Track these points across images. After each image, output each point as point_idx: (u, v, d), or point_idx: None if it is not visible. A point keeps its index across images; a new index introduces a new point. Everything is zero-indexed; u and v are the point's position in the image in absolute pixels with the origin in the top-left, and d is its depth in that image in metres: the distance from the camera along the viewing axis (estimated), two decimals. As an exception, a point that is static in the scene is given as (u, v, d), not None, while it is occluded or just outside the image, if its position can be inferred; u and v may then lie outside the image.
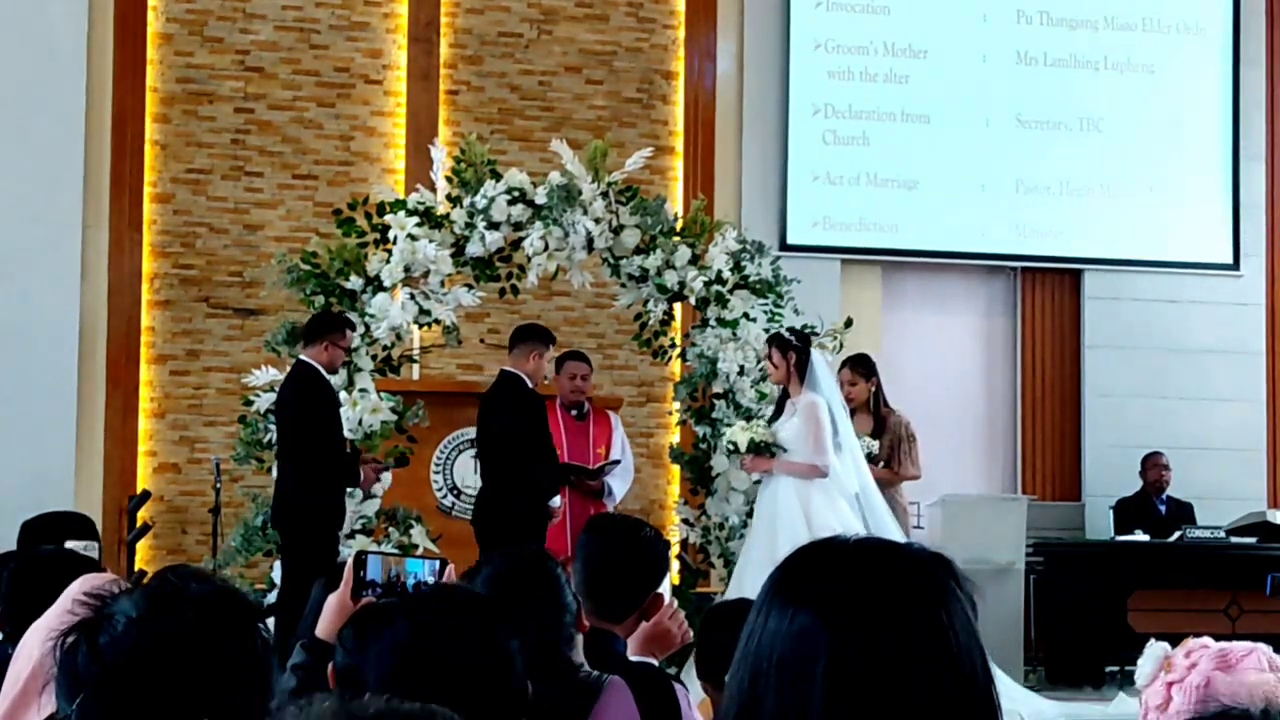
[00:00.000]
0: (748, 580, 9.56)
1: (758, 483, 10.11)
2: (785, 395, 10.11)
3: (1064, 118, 14.23)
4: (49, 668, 2.42)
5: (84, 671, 2.08)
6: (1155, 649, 3.23)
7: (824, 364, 10.14)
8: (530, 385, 9.75)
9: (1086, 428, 14.13)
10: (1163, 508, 13.23)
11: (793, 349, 9.91)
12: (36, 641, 2.50)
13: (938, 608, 1.86)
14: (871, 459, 10.61)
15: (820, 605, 1.86)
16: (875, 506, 10.07)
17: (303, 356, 9.61)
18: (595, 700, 3.68)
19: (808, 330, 10.81)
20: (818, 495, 9.77)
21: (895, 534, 9.93)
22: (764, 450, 9.89)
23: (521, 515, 9.31)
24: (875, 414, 11.11)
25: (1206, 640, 3.20)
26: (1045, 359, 14.28)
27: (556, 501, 10.06)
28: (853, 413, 10.71)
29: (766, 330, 10.52)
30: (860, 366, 11.14)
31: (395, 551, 8.84)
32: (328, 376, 9.58)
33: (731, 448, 10.07)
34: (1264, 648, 3.15)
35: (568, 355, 10.79)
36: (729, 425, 10.28)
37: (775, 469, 9.89)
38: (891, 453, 11.04)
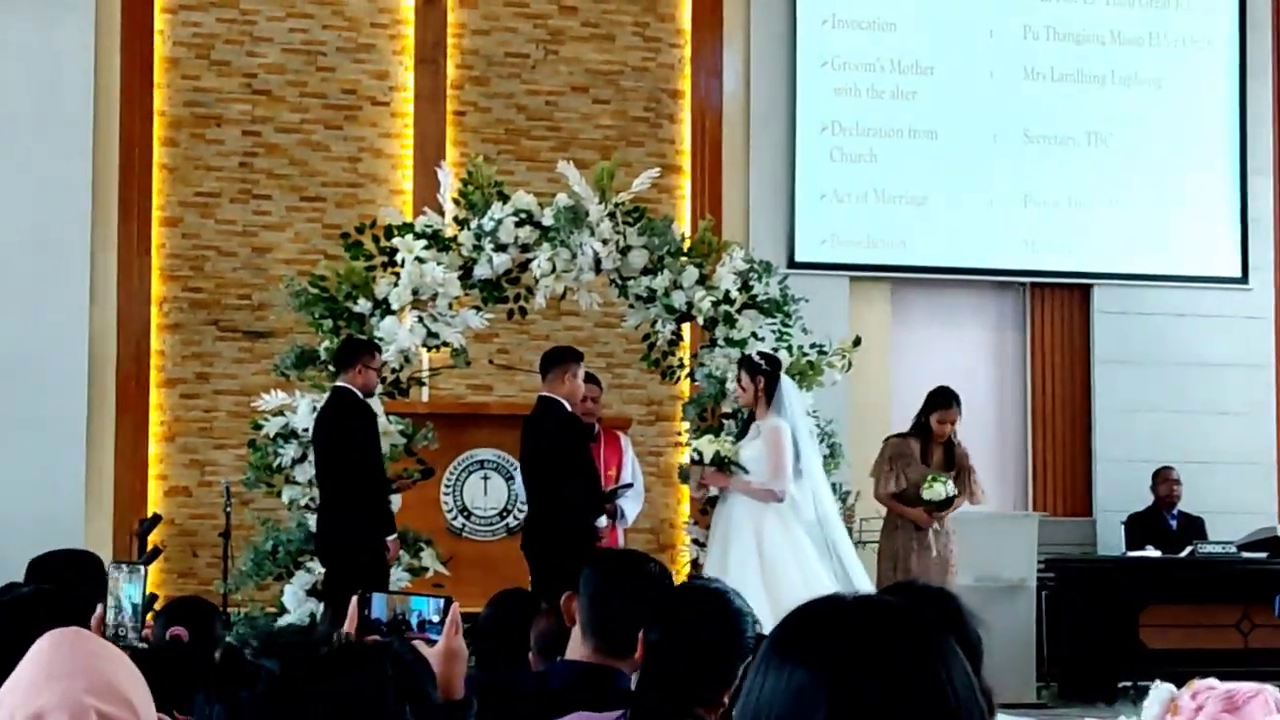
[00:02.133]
0: None
1: (717, 499, 10.14)
2: (752, 417, 10.13)
3: (1071, 132, 14.23)
4: None
5: None
6: (1161, 691, 3.22)
7: (793, 389, 10.15)
8: (569, 408, 9.75)
9: (1097, 443, 14.11)
10: (1174, 523, 13.21)
11: (761, 373, 9.94)
12: (15, 705, 2.49)
13: (936, 665, 1.86)
14: (948, 502, 10.70)
15: (817, 663, 1.86)
16: (837, 536, 10.08)
17: (339, 383, 9.68)
18: None
19: (815, 348, 10.83)
20: (772, 518, 9.80)
21: (856, 564, 9.97)
22: (725, 466, 9.92)
23: (569, 536, 9.29)
24: (949, 450, 11.10)
25: (1212, 681, 3.19)
26: (1055, 374, 14.27)
27: (604, 520, 10.07)
28: (932, 446, 10.82)
29: (774, 350, 10.52)
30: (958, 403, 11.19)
31: (400, 590, 8.84)
32: (365, 399, 9.62)
33: (695, 456, 10.09)
34: (1271, 689, 3.15)
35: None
36: (698, 438, 10.31)
37: (732, 487, 9.91)
38: (961, 484, 11.05)
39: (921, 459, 10.94)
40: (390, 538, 9.59)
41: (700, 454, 9.98)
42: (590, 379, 10.75)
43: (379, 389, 10.21)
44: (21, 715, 2.44)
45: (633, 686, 4.19)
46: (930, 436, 11.00)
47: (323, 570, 10.03)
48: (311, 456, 10.03)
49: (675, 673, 3.76)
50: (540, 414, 9.78)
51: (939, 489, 10.65)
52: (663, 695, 3.73)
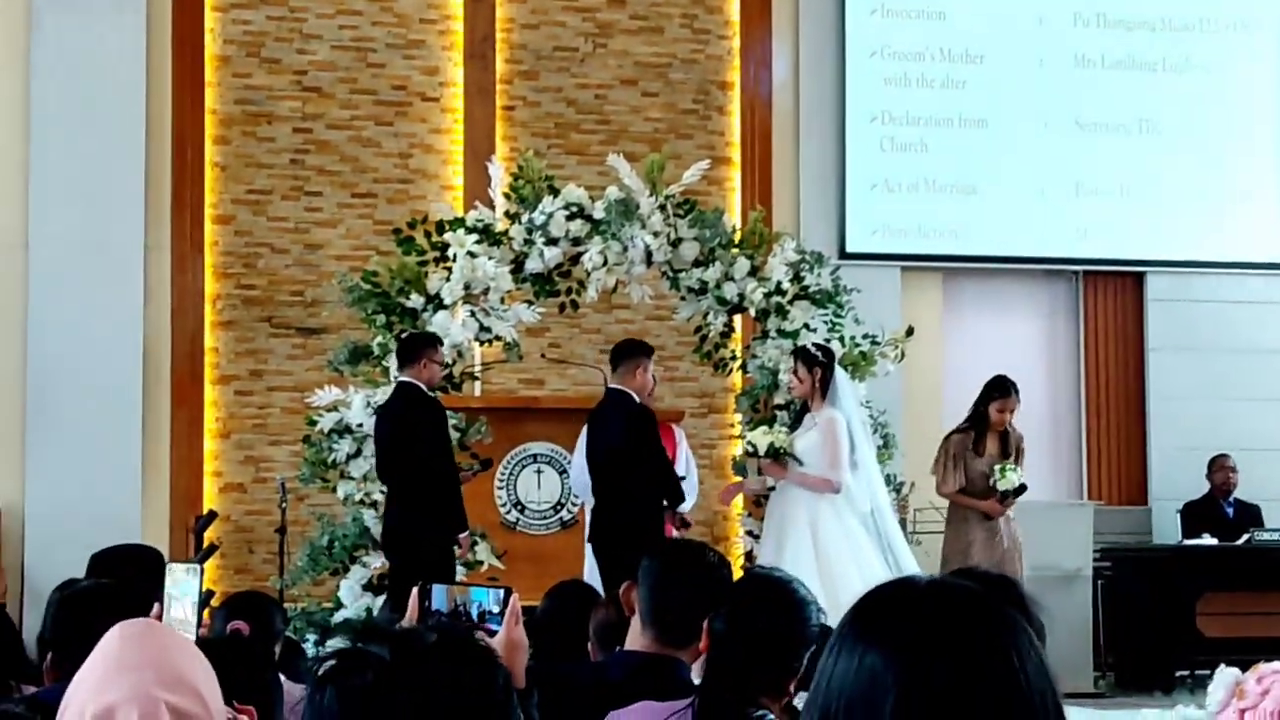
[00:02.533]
0: None
1: (773, 489, 10.11)
2: (805, 408, 10.11)
3: (1123, 120, 14.16)
4: None
5: (327, 710, 2.09)
6: (1225, 675, 3.19)
7: (847, 381, 10.13)
8: (638, 400, 9.74)
9: (1152, 431, 14.05)
10: (1230, 510, 13.14)
11: (818, 364, 9.92)
12: (87, 699, 2.50)
13: (1008, 649, 1.85)
14: (1022, 489, 10.67)
15: (888, 644, 1.86)
16: (889, 527, 10.06)
17: (403, 378, 9.65)
18: None
19: (867, 338, 10.81)
20: (827, 510, 9.77)
21: (908, 557, 9.94)
22: (780, 457, 9.90)
23: (637, 529, 9.27)
24: (1004, 439, 11.05)
25: (1277, 665, 3.17)
26: (1108, 362, 14.21)
27: (689, 504, 10.11)
28: (987, 436, 10.80)
29: (826, 341, 10.50)
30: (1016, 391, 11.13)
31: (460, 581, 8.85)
32: (430, 394, 9.62)
33: (750, 449, 10.07)
34: None
35: None
36: (751, 430, 10.29)
37: (788, 478, 9.89)
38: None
39: (974, 449, 10.90)
40: (463, 534, 9.58)
41: (755, 446, 9.97)
42: None
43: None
44: (91, 710, 2.45)
45: (693, 677, 4.20)
46: (987, 426, 10.95)
47: (378, 565, 10.07)
48: (370, 451, 10.06)
49: (740, 662, 3.77)
50: (609, 406, 9.77)
51: (1012, 477, 10.60)
52: (728, 685, 3.74)
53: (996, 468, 10.70)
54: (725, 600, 3.91)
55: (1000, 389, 10.99)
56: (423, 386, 9.58)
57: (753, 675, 3.78)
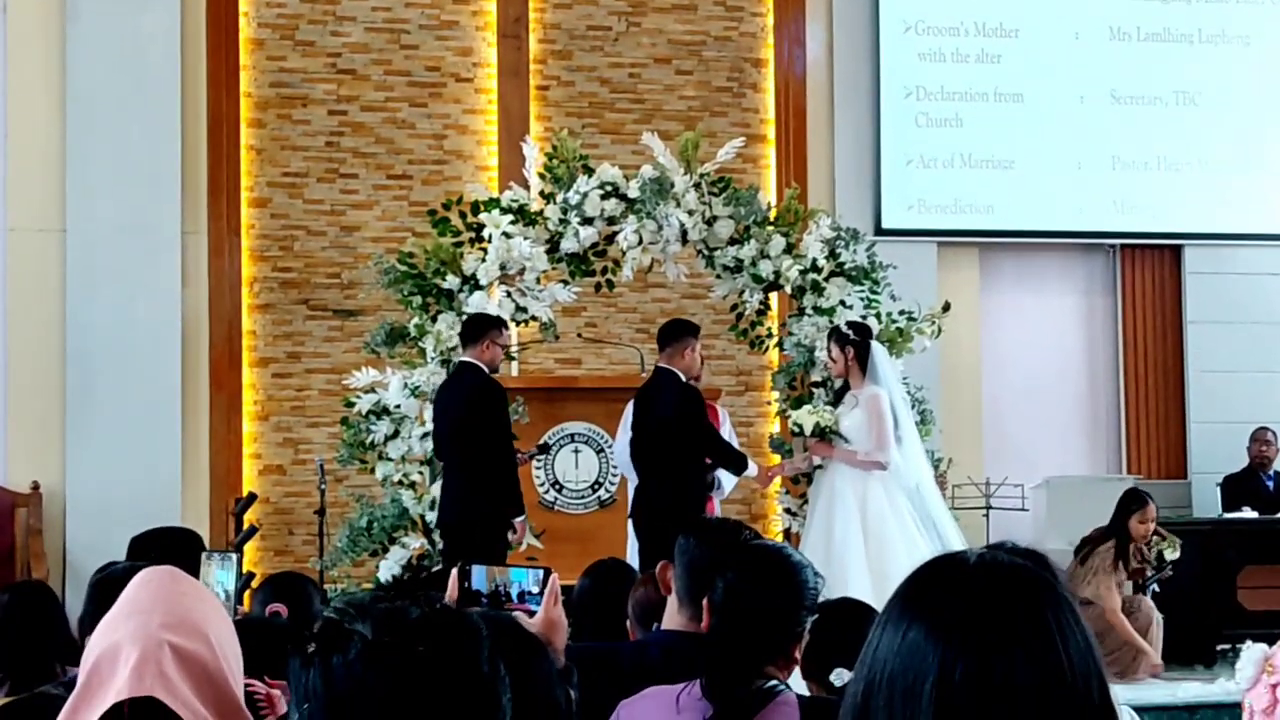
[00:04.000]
0: None
1: (820, 468, 10.08)
2: (846, 386, 10.09)
3: (1159, 92, 14.09)
4: (109, 662, 2.45)
5: (310, 688, 2.10)
6: (1254, 651, 3.20)
7: (885, 356, 10.09)
8: (684, 379, 9.74)
9: (1191, 405, 14.00)
10: (1270, 483, 13.10)
11: (850, 343, 9.90)
12: (98, 640, 2.53)
13: (1053, 633, 1.84)
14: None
15: (932, 621, 1.85)
16: (935, 503, 10.02)
17: (465, 358, 9.65)
18: (762, 708, 3.71)
19: (904, 314, 10.78)
20: (876, 487, 9.74)
21: (954, 531, 9.91)
22: (827, 436, 9.88)
23: (679, 508, 9.26)
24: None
25: None
26: (1147, 336, 14.16)
27: (754, 469, 10.11)
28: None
29: (863, 318, 10.48)
30: None
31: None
32: (491, 375, 9.61)
33: (796, 429, 10.06)
34: None
35: None
36: (795, 409, 10.27)
37: (836, 457, 9.86)
38: None
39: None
40: (519, 519, 9.58)
41: (801, 426, 9.95)
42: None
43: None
44: (99, 649, 2.48)
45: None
46: (1129, 539, 10.72)
47: (417, 546, 10.09)
48: (408, 432, 10.08)
49: (741, 635, 3.78)
50: (655, 385, 9.77)
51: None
52: (732, 659, 3.74)
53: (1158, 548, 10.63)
54: (730, 574, 3.92)
55: (1138, 500, 10.76)
56: (484, 368, 9.56)
57: (755, 646, 3.78)
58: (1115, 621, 10.48)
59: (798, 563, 3.94)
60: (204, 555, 4.96)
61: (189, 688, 2.44)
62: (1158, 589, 11.29)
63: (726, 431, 10.88)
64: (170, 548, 5.61)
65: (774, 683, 3.76)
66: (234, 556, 4.94)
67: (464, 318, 10.04)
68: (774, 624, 3.81)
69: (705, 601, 3.87)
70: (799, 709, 3.75)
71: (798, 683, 4.52)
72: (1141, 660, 10.56)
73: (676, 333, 9.86)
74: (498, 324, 9.79)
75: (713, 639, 3.82)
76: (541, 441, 10.37)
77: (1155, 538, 10.77)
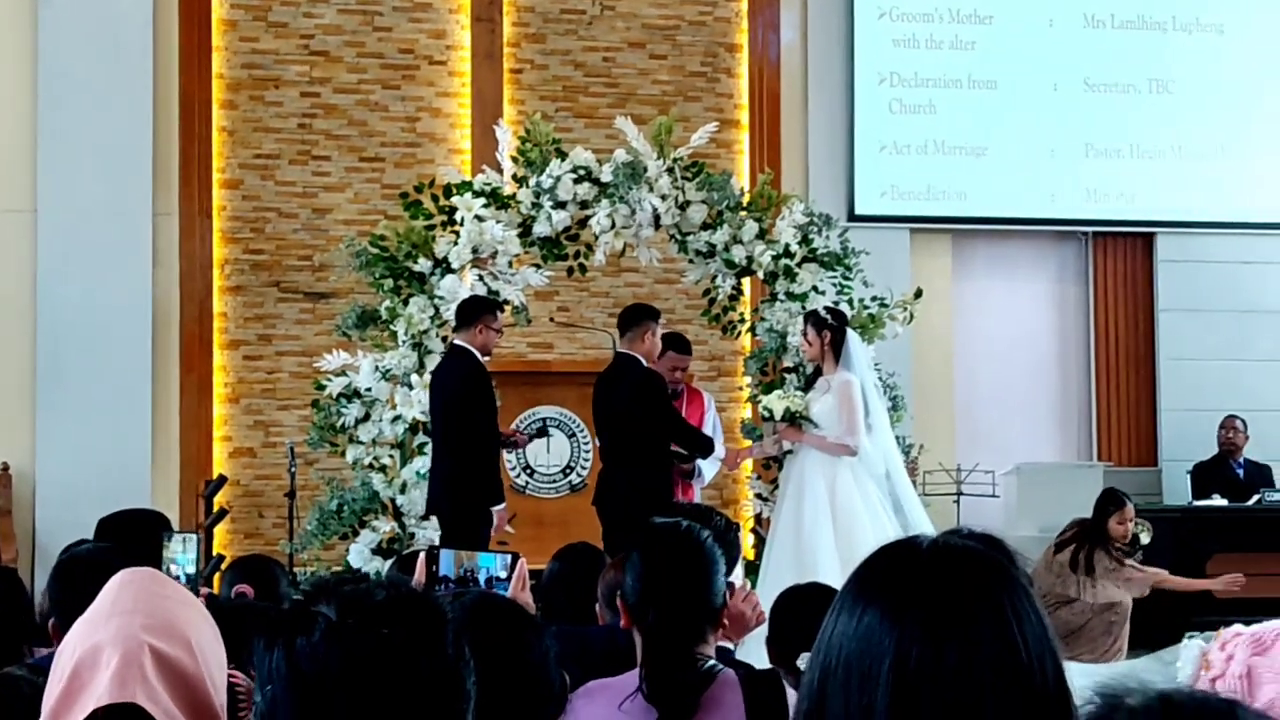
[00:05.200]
0: (775, 549, 9.60)
1: (790, 453, 10.07)
2: (818, 371, 10.09)
3: (1133, 80, 14.12)
4: (90, 666, 2.44)
5: (275, 670, 2.09)
6: (1191, 647, 3.20)
7: (859, 343, 10.09)
8: (645, 364, 9.73)
9: (1162, 392, 14.04)
10: (1240, 471, 13.14)
11: (828, 327, 9.87)
12: (77, 640, 2.51)
13: (1007, 615, 1.84)
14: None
15: (887, 604, 1.86)
16: (905, 489, 10.02)
17: (457, 341, 9.62)
18: (706, 689, 3.69)
19: (876, 300, 10.78)
20: (845, 473, 9.74)
21: (923, 516, 9.92)
22: (797, 421, 9.88)
23: (643, 494, 9.25)
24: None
25: (1238, 628, 3.17)
26: (1118, 324, 14.20)
27: (720, 452, 10.10)
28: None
29: (835, 304, 10.47)
30: None
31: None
32: (481, 360, 9.56)
33: (766, 414, 10.06)
34: None
35: (673, 344, 10.61)
36: (766, 394, 10.25)
37: (806, 442, 9.86)
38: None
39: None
40: (497, 507, 9.51)
41: (771, 411, 9.94)
42: (684, 349, 10.64)
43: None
44: (80, 650, 2.46)
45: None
46: (1107, 539, 10.70)
47: (387, 529, 10.07)
48: (378, 415, 10.06)
49: (662, 619, 3.75)
50: (617, 371, 9.75)
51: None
52: (664, 646, 3.71)
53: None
54: (733, 564, 3.90)
55: (1116, 501, 10.73)
56: (475, 351, 9.50)
57: (679, 632, 3.75)
58: (1170, 586, 10.62)
59: (699, 535, 3.91)
60: (165, 536, 4.94)
61: (168, 693, 2.43)
62: None
63: (711, 417, 10.86)
64: (137, 529, 5.59)
65: (711, 663, 3.75)
66: (195, 537, 4.92)
67: (454, 301, 10.00)
68: (692, 595, 3.78)
69: (620, 602, 3.84)
70: (740, 683, 3.74)
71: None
72: (1116, 650, 10.58)
73: (636, 317, 9.84)
74: (491, 307, 9.75)
75: (641, 634, 3.78)
76: (540, 425, 10.31)
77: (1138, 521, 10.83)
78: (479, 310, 9.66)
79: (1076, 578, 10.49)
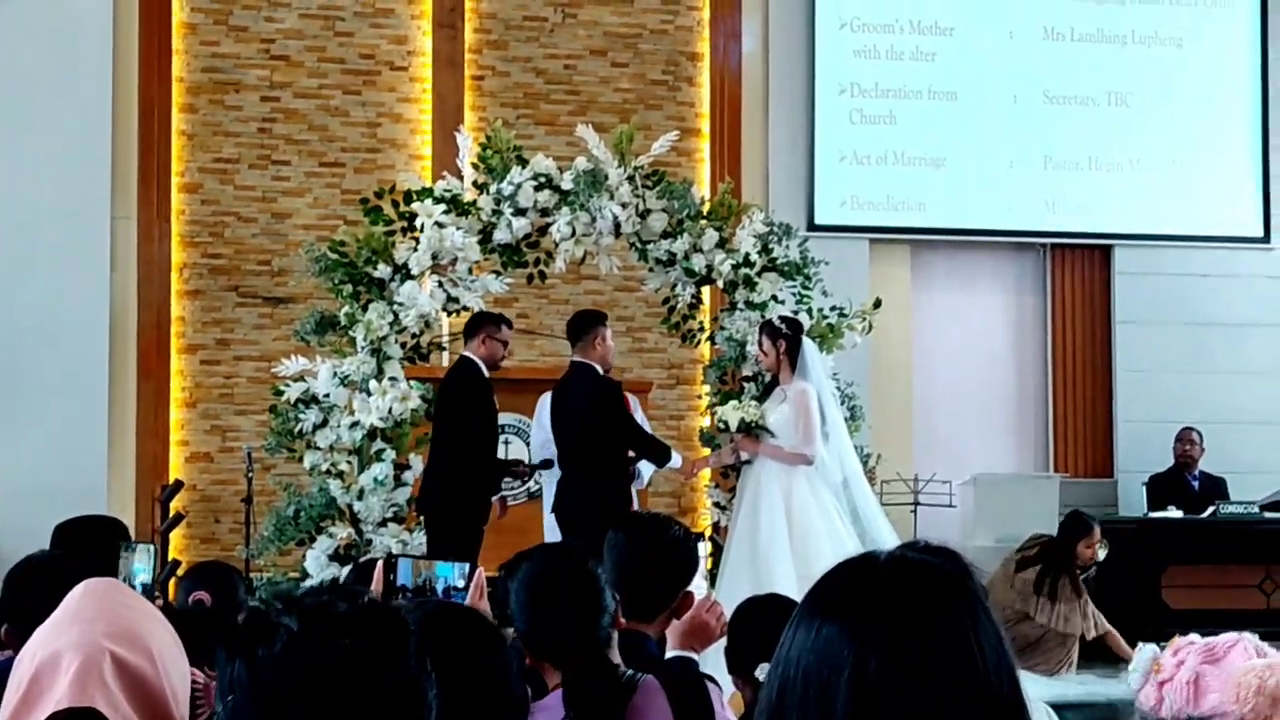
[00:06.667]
0: (731, 559, 9.61)
1: (747, 463, 10.08)
2: (775, 380, 10.09)
3: (1092, 93, 14.17)
4: (50, 671, 2.43)
5: (235, 679, 2.08)
6: (1145, 652, 3.24)
7: (815, 351, 10.10)
8: (602, 371, 9.76)
9: (1118, 404, 14.09)
10: (1196, 483, 13.19)
11: (783, 337, 9.88)
12: (38, 646, 2.51)
13: (964, 624, 1.85)
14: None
15: (845, 617, 1.86)
16: (864, 497, 10.04)
17: (464, 352, 9.86)
18: (630, 699, 3.68)
19: (835, 310, 10.80)
20: (801, 482, 9.74)
21: (884, 524, 9.94)
22: (753, 431, 9.89)
23: (601, 502, 9.28)
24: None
25: (1193, 637, 3.21)
26: (1076, 335, 14.25)
27: (678, 461, 10.12)
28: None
29: (794, 313, 10.49)
30: None
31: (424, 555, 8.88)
32: (485, 371, 9.77)
33: (722, 425, 10.07)
34: (1250, 636, 3.16)
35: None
36: (723, 404, 10.27)
37: (762, 452, 9.87)
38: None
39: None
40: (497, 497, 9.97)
41: (726, 423, 9.95)
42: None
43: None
44: (41, 655, 2.46)
45: (668, 647, 4.20)
46: (1073, 563, 10.77)
47: (344, 535, 10.06)
48: (335, 421, 10.07)
49: (553, 643, 3.72)
50: (572, 380, 9.76)
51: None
52: (578, 677, 3.69)
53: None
54: (691, 573, 3.90)
55: (1084, 525, 10.78)
56: (478, 362, 9.77)
57: (575, 647, 3.74)
58: (1111, 643, 10.54)
59: (579, 555, 3.90)
60: (123, 546, 4.92)
61: (127, 699, 2.42)
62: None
63: (639, 419, 10.88)
64: (94, 536, 5.57)
65: (629, 673, 3.74)
66: (152, 548, 4.91)
67: (413, 307, 10.16)
68: (577, 623, 3.77)
69: (513, 631, 3.84)
70: (664, 688, 3.73)
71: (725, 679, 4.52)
72: (1068, 663, 10.63)
73: (585, 325, 9.88)
74: (494, 320, 9.99)
75: (564, 678, 3.77)
76: (546, 459, 10.32)
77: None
78: (481, 322, 9.96)
79: (1038, 599, 10.55)
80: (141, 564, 4.85)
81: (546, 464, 10.29)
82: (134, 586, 4.69)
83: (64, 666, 2.42)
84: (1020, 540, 11.39)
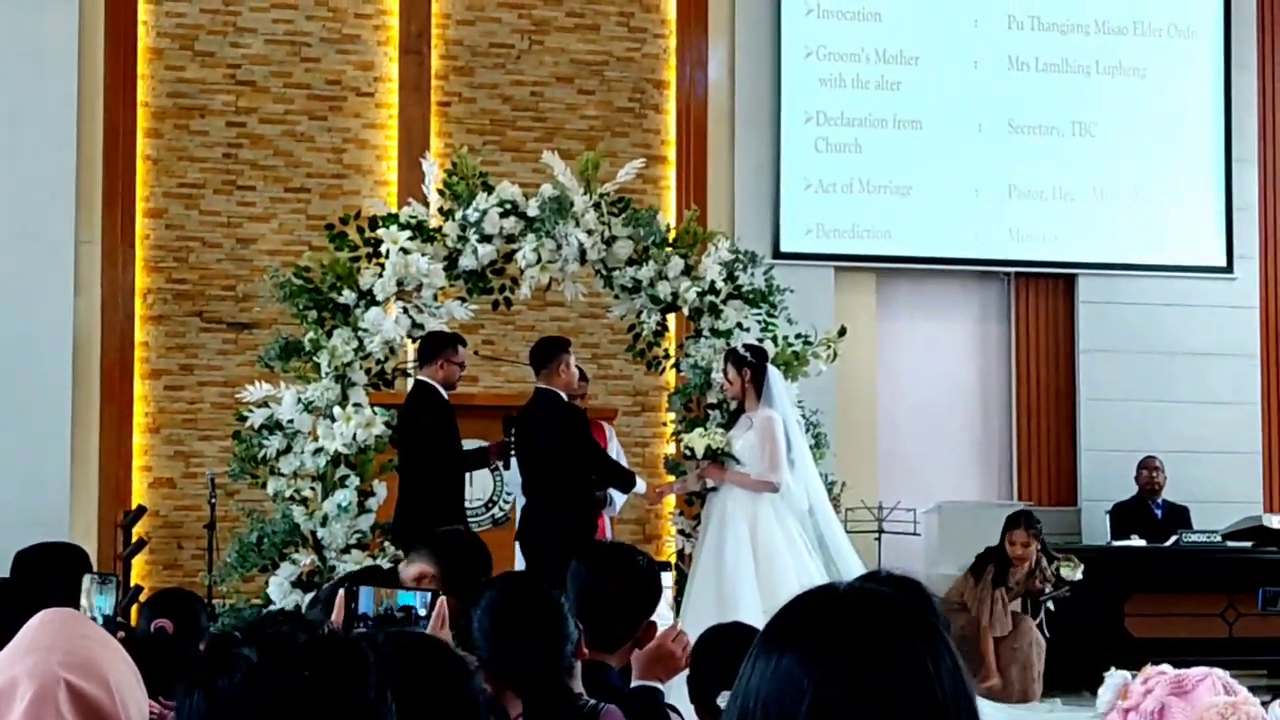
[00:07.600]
0: (696, 586, 9.62)
1: (713, 490, 10.09)
2: (741, 408, 10.12)
3: (1056, 122, 14.23)
4: (5, 699, 2.42)
5: (194, 710, 2.07)
6: (1115, 677, 3.25)
7: (780, 379, 10.13)
8: (566, 398, 9.76)
9: (1082, 433, 14.12)
10: (1159, 512, 13.23)
11: (747, 365, 9.92)
12: None
13: (923, 655, 1.86)
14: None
15: (804, 648, 1.87)
16: (830, 524, 10.07)
17: (421, 377, 9.80)
18: None
19: (800, 338, 10.82)
20: (766, 510, 9.77)
21: (849, 551, 9.97)
22: (719, 458, 9.90)
23: (565, 529, 9.28)
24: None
25: (1164, 667, 3.22)
26: (1039, 364, 14.28)
27: (642, 487, 10.12)
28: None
29: (759, 341, 10.51)
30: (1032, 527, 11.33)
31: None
32: (445, 394, 9.72)
33: (688, 452, 10.09)
34: (1219, 672, 3.18)
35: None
36: (689, 431, 10.29)
37: (728, 480, 9.88)
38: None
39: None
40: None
41: (692, 450, 9.96)
42: (580, 376, 10.71)
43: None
44: None
45: (633, 677, 4.20)
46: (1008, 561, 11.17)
47: (307, 562, 10.03)
48: (299, 448, 10.04)
49: (518, 675, 3.72)
50: (536, 407, 9.76)
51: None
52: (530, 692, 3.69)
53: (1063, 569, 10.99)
54: (655, 603, 3.90)
55: (1010, 522, 11.24)
56: (437, 386, 9.72)
57: (542, 677, 3.74)
58: (979, 635, 11.00)
59: (542, 583, 3.90)
60: (85, 577, 4.90)
61: None
62: (1052, 607, 11.41)
63: (614, 449, 10.89)
64: (56, 564, 5.54)
65: (592, 702, 3.74)
66: (114, 579, 4.88)
67: (378, 333, 10.07)
68: (540, 651, 3.77)
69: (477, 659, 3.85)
70: (628, 717, 3.74)
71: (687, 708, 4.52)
72: (984, 676, 10.85)
73: (548, 352, 9.89)
74: (452, 343, 9.92)
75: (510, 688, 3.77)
76: (502, 440, 10.28)
77: (1059, 556, 11.04)
78: (436, 347, 9.86)
79: (967, 579, 10.92)
80: (102, 594, 4.83)
81: (505, 445, 10.26)
82: (94, 617, 4.66)
83: (19, 695, 2.41)
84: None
